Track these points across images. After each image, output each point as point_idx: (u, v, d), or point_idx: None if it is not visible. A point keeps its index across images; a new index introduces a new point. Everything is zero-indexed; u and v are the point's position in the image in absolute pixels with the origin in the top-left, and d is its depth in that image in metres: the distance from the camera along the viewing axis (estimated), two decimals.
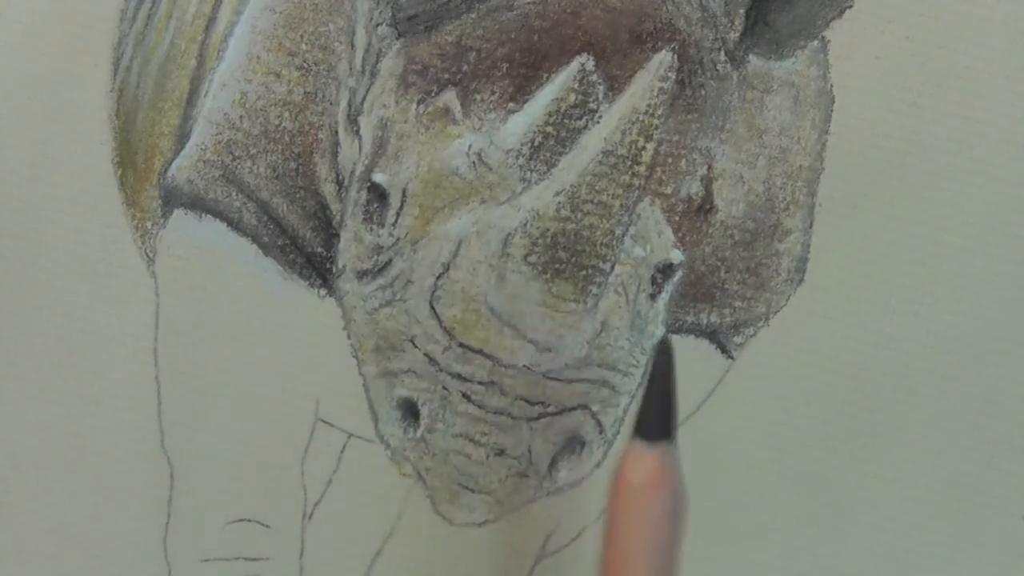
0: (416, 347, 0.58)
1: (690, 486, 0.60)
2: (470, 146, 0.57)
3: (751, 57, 0.58)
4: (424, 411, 0.58)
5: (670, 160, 0.57)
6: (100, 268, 0.61)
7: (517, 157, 0.56)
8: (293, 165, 0.59)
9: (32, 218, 0.61)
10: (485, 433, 0.58)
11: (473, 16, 0.57)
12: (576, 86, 0.56)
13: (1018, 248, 0.58)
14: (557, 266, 0.56)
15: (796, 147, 0.59)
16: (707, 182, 0.58)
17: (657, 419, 0.52)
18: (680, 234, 0.58)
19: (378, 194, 0.58)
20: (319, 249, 0.60)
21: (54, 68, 0.61)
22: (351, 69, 0.59)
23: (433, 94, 0.57)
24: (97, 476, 0.61)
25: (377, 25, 0.58)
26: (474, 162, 0.57)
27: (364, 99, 0.58)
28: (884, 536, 0.60)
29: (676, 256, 0.58)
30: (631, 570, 0.52)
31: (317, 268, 0.60)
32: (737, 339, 0.59)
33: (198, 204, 0.60)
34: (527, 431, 0.58)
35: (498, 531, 0.60)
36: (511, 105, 0.57)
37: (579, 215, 0.56)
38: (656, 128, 0.56)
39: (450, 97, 0.57)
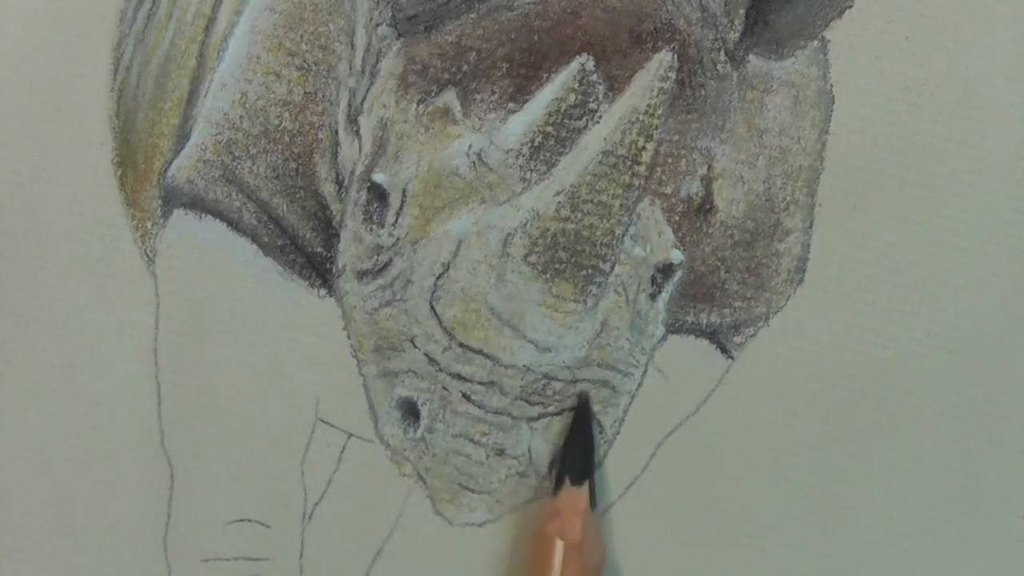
0: (416, 347, 0.58)
1: (690, 486, 0.60)
2: (470, 146, 0.57)
3: (751, 57, 0.58)
4: (424, 411, 0.58)
5: (670, 160, 0.57)
6: (100, 268, 0.61)
7: (517, 157, 0.56)
8: (293, 165, 0.59)
9: (32, 218, 0.61)
10: (485, 433, 0.58)
11: (473, 16, 0.57)
12: (576, 86, 0.56)
13: (1018, 248, 0.58)
14: (557, 266, 0.56)
15: (796, 147, 0.59)
16: (707, 182, 0.58)
17: (581, 462, 0.58)
18: (680, 234, 0.58)
19: (378, 194, 0.58)
20: (319, 249, 0.60)
21: (54, 68, 0.61)
22: (351, 69, 0.59)
23: (433, 94, 0.57)
24: (97, 476, 0.61)
25: (377, 25, 0.58)
26: (474, 162, 0.57)
27: (364, 99, 0.58)
28: (884, 536, 0.60)
29: (676, 256, 0.58)
30: None
31: (317, 268, 0.60)
32: (737, 339, 0.59)
33: (198, 204, 0.60)
34: (527, 431, 0.58)
35: (498, 531, 0.60)
36: (511, 105, 0.57)
37: (579, 215, 0.56)
38: (656, 128, 0.56)
39: (450, 97, 0.57)
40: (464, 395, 0.58)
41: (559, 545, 0.56)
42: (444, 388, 0.58)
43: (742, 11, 0.57)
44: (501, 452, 0.59)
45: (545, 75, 0.57)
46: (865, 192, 0.58)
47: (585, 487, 0.57)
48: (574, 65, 0.56)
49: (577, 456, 0.58)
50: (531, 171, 0.56)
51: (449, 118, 0.57)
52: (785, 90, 0.58)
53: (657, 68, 0.56)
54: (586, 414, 0.58)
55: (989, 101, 0.58)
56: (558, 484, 0.58)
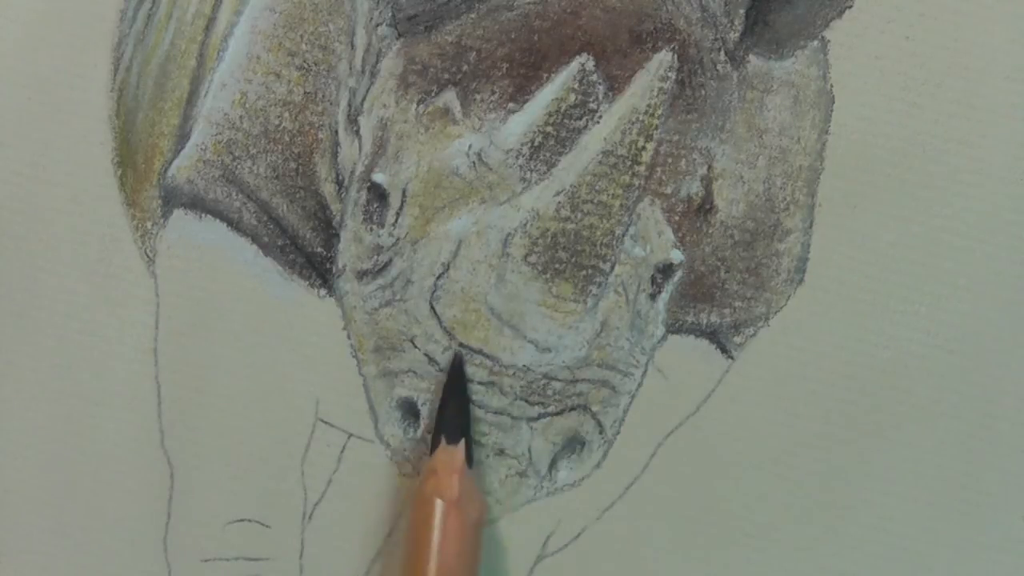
0: (416, 347, 0.58)
1: (690, 486, 0.60)
2: (470, 146, 0.57)
3: (751, 57, 0.58)
4: (424, 411, 0.58)
5: (670, 160, 0.57)
6: (100, 268, 0.61)
7: (517, 157, 0.56)
8: (293, 165, 0.59)
9: (32, 218, 0.61)
10: (485, 433, 0.58)
11: (473, 16, 0.57)
12: (576, 86, 0.56)
13: (1018, 248, 0.58)
14: (557, 266, 0.56)
15: (796, 147, 0.59)
16: (707, 182, 0.58)
17: (456, 420, 0.57)
18: (680, 234, 0.58)
19: (378, 194, 0.58)
20: (319, 249, 0.60)
21: (54, 68, 0.61)
22: (351, 69, 0.59)
23: (433, 94, 0.57)
24: (97, 476, 0.61)
25: (377, 25, 0.58)
26: (474, 162, 0.57)
27: (364, 99, 0.58)
28: (884, 536, 0.60)
29: (676, 256, 0.58)
30: None
31: (317, 268, 0.60)
32: (737, 339, 0.59)
33: (198, 204, 0.60)
34: (527, 431, 0.58)
35: (498, 531, 0.60)
36: (511, 105, 0.57)
37: (579, 215, 0.56)
38: (656, 128, 0.56)
39: (450, 97, 0.57)
40: None
41: (438, 504, 0.55)
42: None
43: (742, 11, 0.57)
44: (501, 452, 0.59)
45: (545, 75, 0.57)
46: (865, 192, 0.58)
47: (461, 445, 0.57)
48: (574, 65, 0.56)
49: (451, 414, 0.57)
50: (531, 171, 0.56)
51: (449, 118, 0.57)
52: (785, 90, 0.58)
53: (657, 68, 0.56)
54: (459, 372, 0.57)
55: (989, 101, 0.58)
56: (434, 444, 0.58)
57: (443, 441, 0.57)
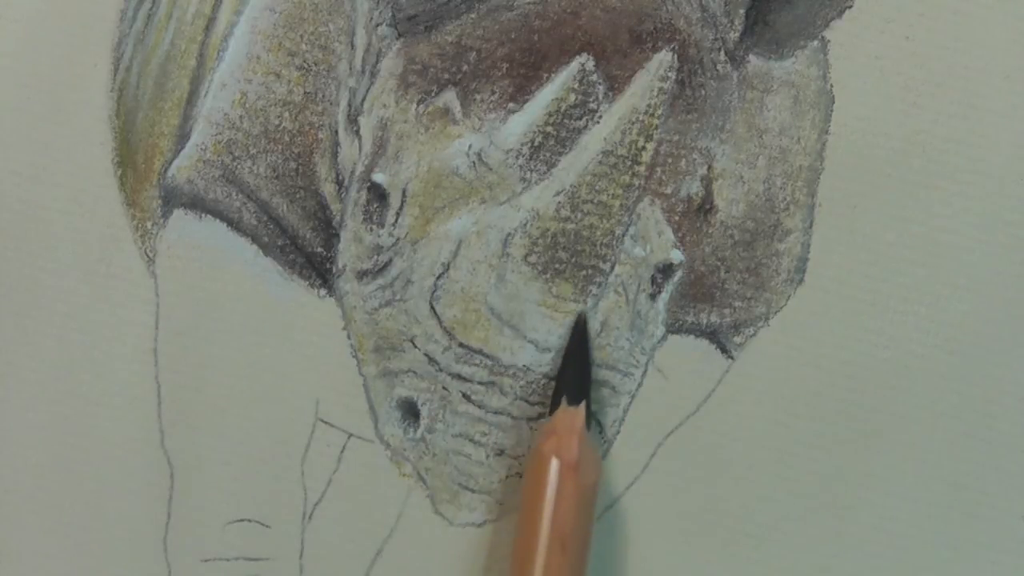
0: (416, 347, 0.58)
1: (691, 486, 0.60)
2: (470, 146, 0.57)
3: (751, 57, 0.58)
4: (424, 411, 0.58)
5: (670, 160, 0.57)
6: (100, 268, 0.61)
7: (517, 157, 0.56)
8: (293, 165, 0.59)
9: (32, 218, 0.61)
10: (485, 433, 0.58)
11: (473, 16, 0.57)
12: (576, 86, 0.56)
13: (1018, 248, 0.58)
14: (557, 266, 0.56)
15: (796, 147, 0.59)
16: (707, 182, 0.58)
17: (577, 382, 0.57)
18: (680, 234, 0.58)
19: (378, 194, 0.58)
20: (319, 249, 0.60)
21: (54, 68, 0.61)
22: (351, 69, 0.59)
23: (433, 94, 0.57)
24: (97, 476, 0.61)
25: (377, 25, 0.58)
26: (474, 162, 0.57)
27: (364, 99, 0.58)
28: (884, 536, 0.60)
29: (676, 256, 0.58)
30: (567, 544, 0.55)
31: (317, 268, 0.60)
32: (737, 339, 0.59)
33: (198, 204, 0.60)
34: (527, 431, 0.58)
35: (498, 531, 0.60)
36: (511, 105, 0.57)
37: (579, 215, 0.56)
38: (656, 128, 0.56)
39: (450, 97, 0.57)
40: (464, 395, 0.58)
41: (554, 464, 0.55)
42: (444, 388, 0.58)
43: (742, 11, 0.57)
44: (501, 452, 0.59)
45: (545, 75, 0.57)
46: (865, 192, 0.58)
47: (582, 407, 0.57)
48: (574, 65, 0.56)
49: (574, 376, 0.57)
50: (531, 171, 0.56)
51: (449, 118, 0.57)
52: (785, 90, 0.58)
53: (657, 68, 0.56)
54: (583, 334, 0.57)
55: (989, 101, 0.58)
56: (554, 404, 0.57)
57: (563, 402, 0.57)
